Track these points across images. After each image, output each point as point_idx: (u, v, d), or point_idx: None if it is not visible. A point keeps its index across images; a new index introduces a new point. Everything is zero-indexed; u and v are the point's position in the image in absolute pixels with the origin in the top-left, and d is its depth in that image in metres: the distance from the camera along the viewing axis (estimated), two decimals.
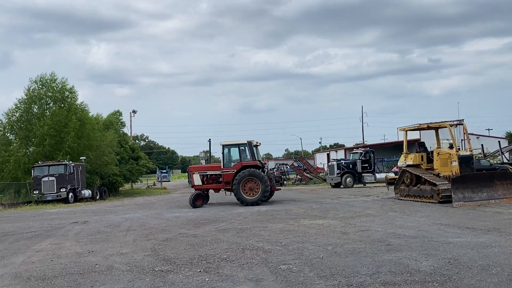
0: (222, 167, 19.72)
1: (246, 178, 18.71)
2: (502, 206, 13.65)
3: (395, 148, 48.42)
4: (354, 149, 36.48)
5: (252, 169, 18.98)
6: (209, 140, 15.98)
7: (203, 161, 53.32)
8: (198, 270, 6.97)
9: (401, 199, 17.66)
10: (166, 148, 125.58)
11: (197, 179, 19.95)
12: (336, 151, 71.71)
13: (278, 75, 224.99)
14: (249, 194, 18.65)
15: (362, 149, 34.37)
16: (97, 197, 30.42)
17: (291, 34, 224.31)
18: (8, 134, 32.37)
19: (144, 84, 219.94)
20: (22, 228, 14.17)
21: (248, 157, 19.47)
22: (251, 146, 19.48)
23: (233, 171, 19.18)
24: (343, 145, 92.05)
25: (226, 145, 19.85)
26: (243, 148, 19.63)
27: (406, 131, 18.70)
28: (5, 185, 28.79)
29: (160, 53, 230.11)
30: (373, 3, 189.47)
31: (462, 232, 9.42)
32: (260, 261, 7.43)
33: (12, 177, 29.63)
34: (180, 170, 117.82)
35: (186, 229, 11.93)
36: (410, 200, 16.96)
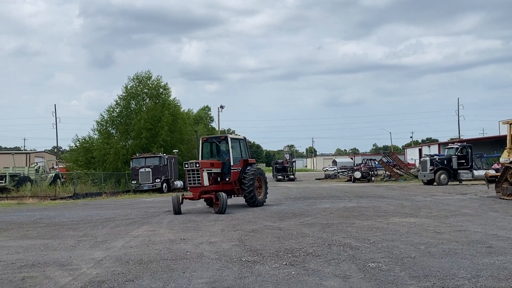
0: (232, 164, 16.60)
1: (257, 176, 17.01)
2: None
3: (495, 142, 44.55)
4: (450, 144, 34.13)
5: (256, 166, 17.76)
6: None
7: (287, 155, 53.64)
8: (284, 263, 6.98)
9: (503, 199, 16.18)
10: (251, 142, 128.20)
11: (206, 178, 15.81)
12: (429, 146, 67.86)
13: (366, 66, 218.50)
14: (258, 193, 16.96)
15: (458, 144, 32.06)
16: (188, 188, 31.95)
17: (381, 23, 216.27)
18: (110, 128, 35.29)
19: (231, 80, 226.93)
20: (121, 215, 15.34)
21: (244, 153, 17.47)
22: (246, 142, 17.93)
23: (238, 168, 16.86)
24: (437, 140, 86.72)
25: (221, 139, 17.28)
26: (241, 143, 17.55)
27: (510, 124, 17.05)
28: (107, 175, 31.47)
29: (247, 49, 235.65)
30: None
31: None
32: (347, 257, 7.25)
33: (112, 168, 32.28)
34: (264, 164, 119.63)
35: (271, 222, 12.05)
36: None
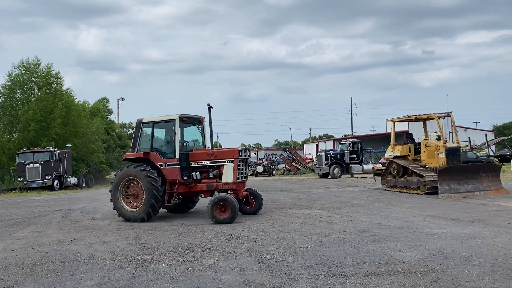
0: None
1: None
2: (487, 198, 13.77)
3: (383, 139, 48.72)
4: (343, 140, 36.58)
5: None
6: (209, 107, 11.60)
7: None
8: (181, 259, 6.88)
9: (387, 190, 17.73)
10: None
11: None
12: (325, 142, 71.99)
13: (271, 64, 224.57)
14: None
15: (350, 140, 34.47)
16: (83, 185, 30.12)
17: (285, 23, 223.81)
18: None
19: (134, 71, 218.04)
20: (4, 215, 13.94)
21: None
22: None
23: None
24: (332, 136, 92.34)
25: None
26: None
27: (394, 122, 18.73)
28: None
29: (151, 40, 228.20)
30: None
31: (446, 223, 9.45)
32: (245, 250, 7.37)
33: None
34: None
35: (171, 218, 11.82)
36: (397, 191, 17.03)
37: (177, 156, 11.40)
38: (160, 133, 12.26)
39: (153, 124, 11.91)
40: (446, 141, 17.20)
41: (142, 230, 9.85)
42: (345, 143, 33.11)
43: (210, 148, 12.03)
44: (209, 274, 5.98)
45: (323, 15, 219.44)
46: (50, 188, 26.40)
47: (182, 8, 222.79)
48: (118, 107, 54.16)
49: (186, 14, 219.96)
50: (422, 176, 15.71)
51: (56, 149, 27.97)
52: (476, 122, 75.45)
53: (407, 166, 16.84)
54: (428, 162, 16.64)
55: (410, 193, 16.23)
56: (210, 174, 11.65)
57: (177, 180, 11.33)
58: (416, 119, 18.14)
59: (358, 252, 6.95)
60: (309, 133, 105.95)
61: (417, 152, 17.42)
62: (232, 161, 11.35)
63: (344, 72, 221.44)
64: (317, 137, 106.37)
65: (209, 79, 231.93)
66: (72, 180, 28.96)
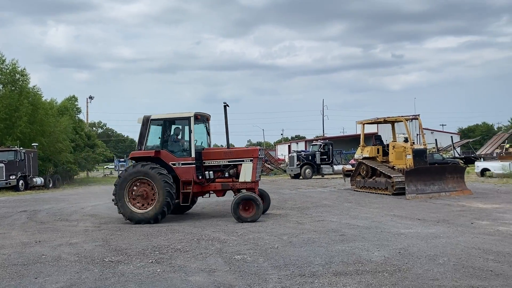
0: None
1: None
2: (452, 199, 14.19)
3: (353, 141, 49.49)
4: (314, 141, 36.97)
5: None
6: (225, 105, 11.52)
7: None
8: (150, 261, 6.79)
9: (357, 191, 18.03)
10: (125, 136, 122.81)
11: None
12: (297, 143, 72.59)
13: (244, 65, 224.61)
14: None
15: (321, 141, 34.87)
16: (50, 185, 29.29)
17: (258, 24, 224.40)
18: None
19: (104, 69, 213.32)
20: None
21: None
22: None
23: None
24: (304, 137, 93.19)
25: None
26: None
27: (364, 124, 19.08)
28: None
29: (123, 38, 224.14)
30: None
31: (413, 223, 9.69)
32: (215, 251, 7.34)
33: None
34: None
35: None
36: (366, 192, 17.34)
37: (193, 155, 11.12)
38: (171, 130, 11.81)
39: (164, 121, 11.48)
40: (414, 143, 17.65)
41: (111, 232, 9.67)
42: (316, 144, 33.48)
43: (225, 147, 11.89)
44: (178, 276, 5.93)
45: (296, 17, 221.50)
46: (15, 188, 25.55)
47: (155, 7, 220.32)
48: (87, 106, 53.05)
49: (159, 13, 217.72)
50: (390, 177, 16.05)
51: (21, 148, 27.10)
52: (442, 125, 77.75)
53: (376, 167, 17.18)
54: (396, 163, 17.02)
55: (378, 193, 16.56)
56: (226, 173, 11.49)
57: (193, 180, 11.02)
58: (385, 122, 18.53)
59: (327, 252, 7.04)
60: (282, 134, 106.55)
61: (386, 153, 17.79)
62: (251, 160, 11.30)
63: (316, 74, 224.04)
64: (290, 138, 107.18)
65: (181, 79, 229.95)
66: (38, 180, 28.11)
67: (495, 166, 23.78)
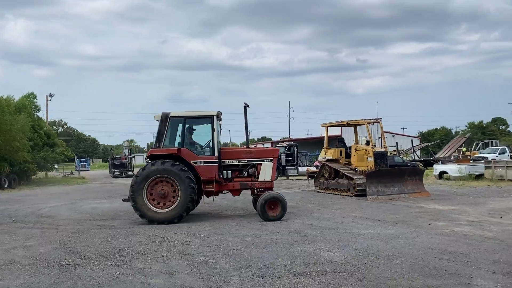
0: None
1: None
2: (411, 200, 14.61)
3: (318, 143, 50.18)
4: (280, 143, 37.23)
5: None
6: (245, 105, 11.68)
7: (126, 151, 51.51)
8: (109, 263, 6.63)
9: (320, 192, 18.27)
10: (87, 135, 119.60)
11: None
12: (263, 144, 72.82)
13: (211, 65, 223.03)
14: None
15: (287, 143, 35.15)
16: (6, 186, 28.09)
17: (226, 25, 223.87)
18: None
19: (65, 67, 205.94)
20: None
21: None
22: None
23: None
24: (270, 139, 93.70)
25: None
26: None
27: (328, 127, 19.37)
28: None
29: (86, 34, 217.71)
30: (307, 0, 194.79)
31: (373, 224, 9.91)
32: (177, 253, 7.25)
33: None
34: (101, 160, 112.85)
35: (101, 221, 11.37)
36: (329, 193, 17.59)
37: (216, 154, 11.00)
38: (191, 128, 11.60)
39: (185, 118, 11.22)
40: (375, 145, 18.05)
41: (69, 234, 9.38)
42: (282, 146, 33.71)
43: (245, 146, 11.98)
44: (137, 278, 5.81)
45: (264, 19, 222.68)
46: None
47: (120, 3, 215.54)
48: (46, 104, 51.21)
49: (124, 10, 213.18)
50: (352, 179, 16.35)
51: None
52: (403, 128, 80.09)
53: (339, 169, 17.47)
54: (358, 165, 17.36)
55: (341, 195, 16.84)
56: (245, 172, 11.48)
57: (214, 179, 10.89)
58: (348, 124, 18.88)
59: (289, 252, 7.09)
60: (248, 135, 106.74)
61: (348, 155, 18.12)
62: (271, 160, 11.46)
63: (282, 77, 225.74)
64: (256, 139, 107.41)
65: (146, 78, 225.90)
66: None
67: (452, 169, 24.66)
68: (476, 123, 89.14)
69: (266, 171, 11.38)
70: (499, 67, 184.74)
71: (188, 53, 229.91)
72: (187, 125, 11.42)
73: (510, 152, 35.64)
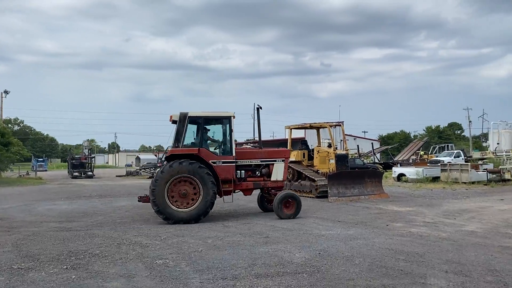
0: None
1: None
2: (371, 202, 14.97)
3: (282, 145, 50.53)
4: (244, 144, 37.22)
5: None
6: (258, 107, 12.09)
7: (86, 150, 50.10)
8: (65, 267, 6.42)
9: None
10: (45, 134, 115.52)
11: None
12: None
13: (176, 65, 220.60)
14: None
15: (252, 144, 35.20)
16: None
17: (191, 25, 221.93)
18: None
19: (23, 63, 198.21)
20: None
21: None
22: None
23: None
24: (236, 140, 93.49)
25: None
26: None
27: (291, 129, 19.56)
28: None
29: (45, 30, 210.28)
30: (274, 3, 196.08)
31: (334, 225, 10.08)
32: (136, 256, 7.10)
33: None
34: (60, 160, 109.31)
35: (57, 223, 11.00)
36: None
37: (234, 154, 11.23)
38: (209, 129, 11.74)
39: (204, 119, 11.29)
40: (336, 148, 18.39)
41: (22, 236, 9.01)
42: (246, 147, 33.72)
43: (258, 147, 12.32)
44: (94, 282, 5.65)
45: (230, 20, 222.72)
46: None
47: (82, 0, 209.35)
48: (1, 101, 49.03)
49: (86, 6, 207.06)
50: (314, 181, 16.58)
51: None
52: (364, 132, 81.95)
53: (301, 170, 17.67)
54: (320, 167, 17.63)
55: (303, 196, 17.00)
56: (258, 172, 11.82)
57: (232, 178, 11.11)
58: (311, 127, 19.13)
59: (250, 254, 7.10)
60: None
61: (311, 157, 18.36)
62: (283, 161, 11.98)
63: (248, 79, 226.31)
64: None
65: (108, 76, 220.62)
66: None
67: (410, 172, 25.45)
68: (433, 128, 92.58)
69: (278, 171, 11.86)
70: (455, 74, 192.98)
71: (152, 52, 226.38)
72: (214, 125, 11.73)
73: (464, 156, 37.19)
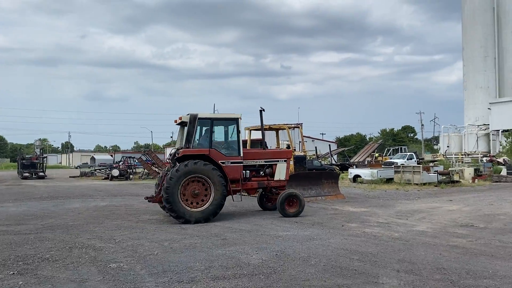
0: None
1: None
2: (327, 203, 15.25)
3: (243, 146, 50.59)
4: None
5: None
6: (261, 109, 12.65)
7: (38, 150, 48.08)
8: (11, 272, 6.12)
9: (243, 195, 18.37)
10: None
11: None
12: None
13: (133, 63, 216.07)
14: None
15: None
16: None
17: (150, 23, 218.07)
18: None
19: None
20: None
21: None
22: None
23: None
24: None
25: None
26: None
27: (251, 130, 19.60)
28: None
29: None
30: (235, 4, 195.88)
31: (291, 226, 10.18)
32: (88, 260, 6.88)
33: None
34: (9, 159, 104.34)
35: (4, 226, 10.48)
36: (251, 196, 17.76)
37: (241, 154, 11.60)
38: (217, 130, 12.02)
39: (212, 120, 11.56)
40: (295, 149, 18.63)
41: None
42: None
43: (262, 148, 12.87)
44: None
45: (190, 20, 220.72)
46: None
47: None
48: None
49: (40, 1, 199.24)
50: None
51: None
52: (322, 134, 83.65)
53: None
54: None
55: None
56: (262, 172, 12.26)
57: (240, 178, 11.50)
58: (270, 129, 19.25)
59: (207, 256, 7.04)
60: (171, 137, 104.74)
61: None
62: (285, 161, 12.51)
63: (209, 79, 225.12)
64: None
65: (62, 73, 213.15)
66: None
67: (365, 173, 26.16)
68: (388, 130, 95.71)
69: (281, 171, 12.36)
70: (410, 79, 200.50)
71: (109, 50, 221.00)
72: (206, 127, 11.74)
73: (417, 158, 38.65)
